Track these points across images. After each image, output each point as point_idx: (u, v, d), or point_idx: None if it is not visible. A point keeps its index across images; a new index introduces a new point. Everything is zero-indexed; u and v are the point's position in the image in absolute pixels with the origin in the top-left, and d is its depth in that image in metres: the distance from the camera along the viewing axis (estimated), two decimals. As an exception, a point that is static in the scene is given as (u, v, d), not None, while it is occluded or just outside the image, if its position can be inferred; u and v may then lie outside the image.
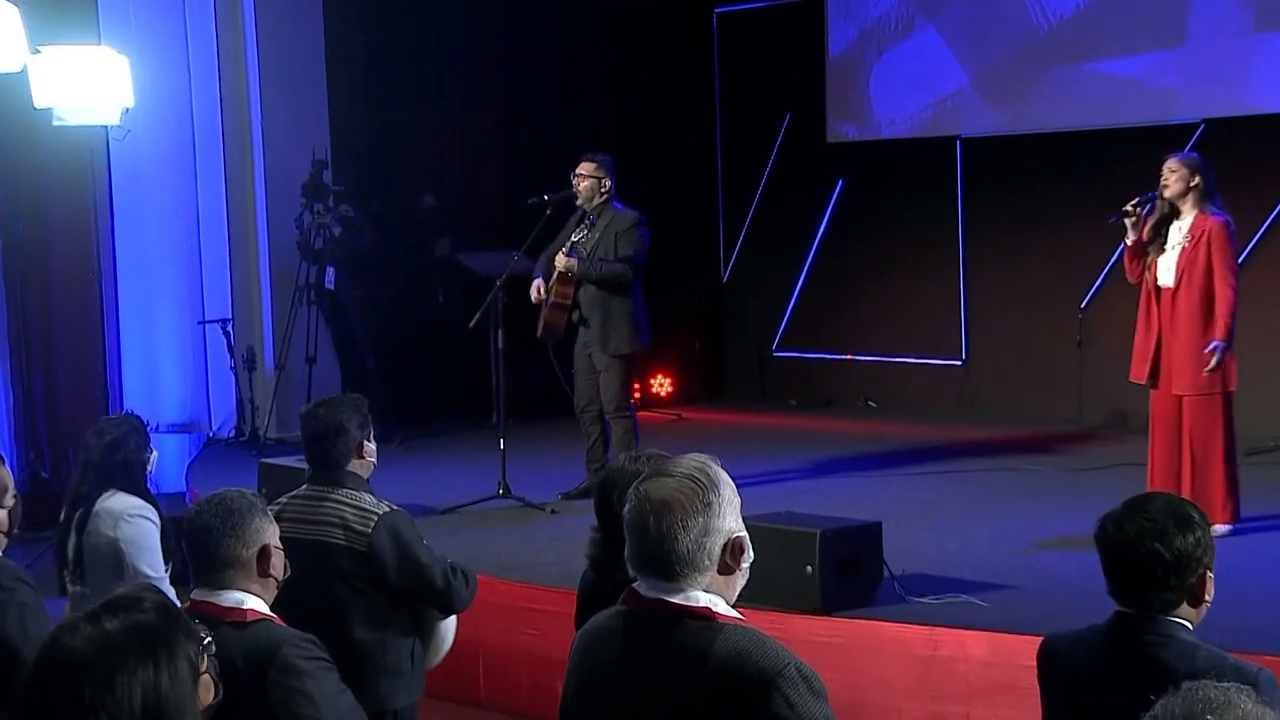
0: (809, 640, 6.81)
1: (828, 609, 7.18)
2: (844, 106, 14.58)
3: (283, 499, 5.67)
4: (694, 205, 15.41)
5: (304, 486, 5.70)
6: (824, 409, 14.50)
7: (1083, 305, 12.96)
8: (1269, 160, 11.65)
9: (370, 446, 5.74)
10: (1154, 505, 3.80)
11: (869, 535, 7.48)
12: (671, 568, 3.33)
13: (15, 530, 5.01)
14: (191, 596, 4.26)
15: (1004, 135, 13.50)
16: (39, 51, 9.80)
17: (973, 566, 8.05)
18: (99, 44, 10.89)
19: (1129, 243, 8.62)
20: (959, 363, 14.06)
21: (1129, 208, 8.57)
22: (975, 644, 6.90)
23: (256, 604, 4.25)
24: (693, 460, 3.45)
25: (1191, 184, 8.41)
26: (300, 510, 5.58)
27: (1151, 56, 12.54)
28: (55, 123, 10.19)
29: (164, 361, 12.85)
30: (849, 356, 14.74)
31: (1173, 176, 8.45)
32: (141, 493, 6.39)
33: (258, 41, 12.95)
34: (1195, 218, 8.42)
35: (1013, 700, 6.41)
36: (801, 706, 3.22)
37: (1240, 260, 9.01)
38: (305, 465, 5.88)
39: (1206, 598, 3.79)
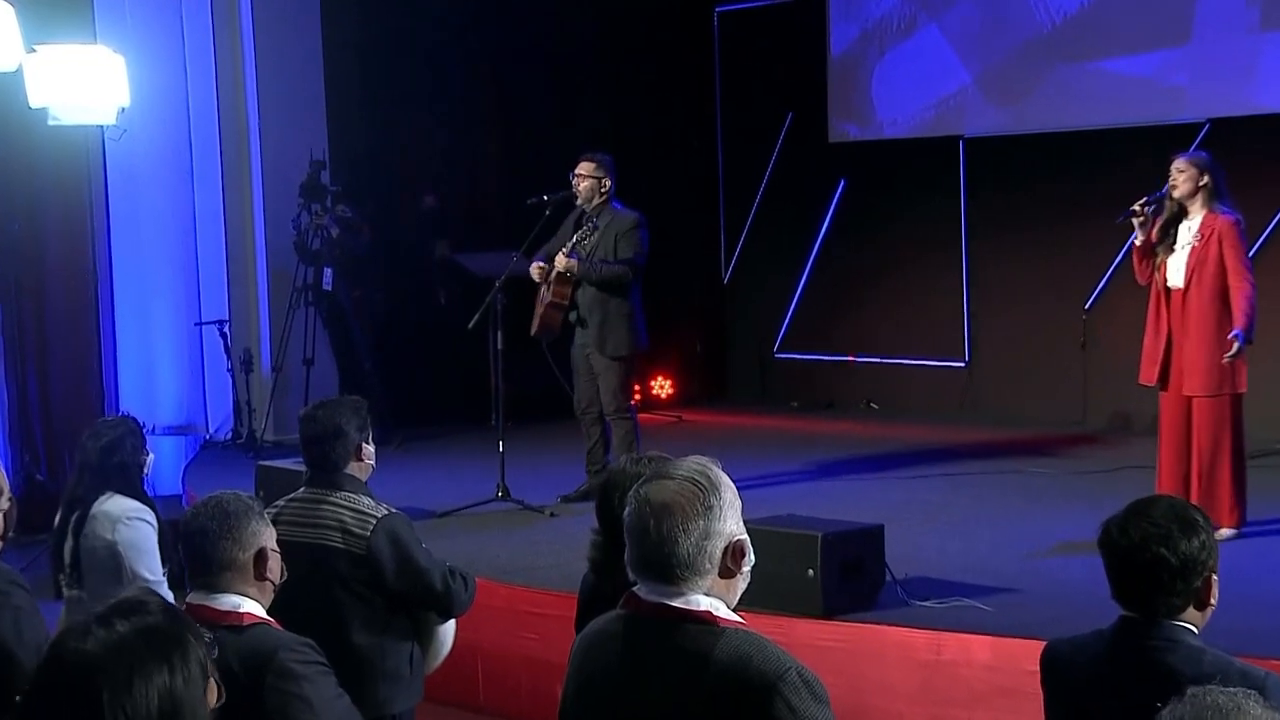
0: (811, 644, 6.80)
1: (829, 613, 7.16)
2: (846, 106, 14.56)
3: (280, 502, 5.65)
4: (695, 206, 15.40)
5: (302, 489, 5.68)
6: (826, 411, 14.48)
7: (1087, 306, 12.94)
8: (1275, 160, 11.61)
9: (369, 449, 5.73)
10: (1158, 509, 3.78)
11: (871, 538, 7.46)
12: (672, 571, 3.31)
13: (10, 534, 5.01)
14: (187, 600, 4.24)
15: (1007, 135, 13.48)
16: (34, 50, 9.77)
17: (976, 570, 8.02)
18: (95, 43, 10.84)
19: (1138, 244, 8.58)
20: (962, 364, 14.04)
21: (1137, 208, 8.52)
22: (978, 648, 6.89)
23: (253, 607, 4.24)
24: (693, 463, 3.43)
25: (1201, 183, 8.36)
26: (298, 513, 5.55)
27: (1157, 55, 12.52)
28: (51, 122, 10.15)
29: (160, 363, 12.83)
30: (851, 358, 14.72)
31: (1181, 176, 8.40)
32: (139, 495, 6.36)
33: (255, 40, 12.91)
34: (1205, 217, 8.37)
35: (1016, 705, 6.36)
36: (803, 711, 3.21)
37: (1247, 259, 8.95)
38: (303, 468, 5.86)
39: (1212, 601, 3.77)
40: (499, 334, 10.04)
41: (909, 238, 14.13)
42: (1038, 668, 4.05)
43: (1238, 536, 8.37)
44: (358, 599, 5.45)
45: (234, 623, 4.15)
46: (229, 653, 3.87)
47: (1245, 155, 11.08)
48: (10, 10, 9.07)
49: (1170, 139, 11.26)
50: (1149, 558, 3.68)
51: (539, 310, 10.03)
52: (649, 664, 3.34)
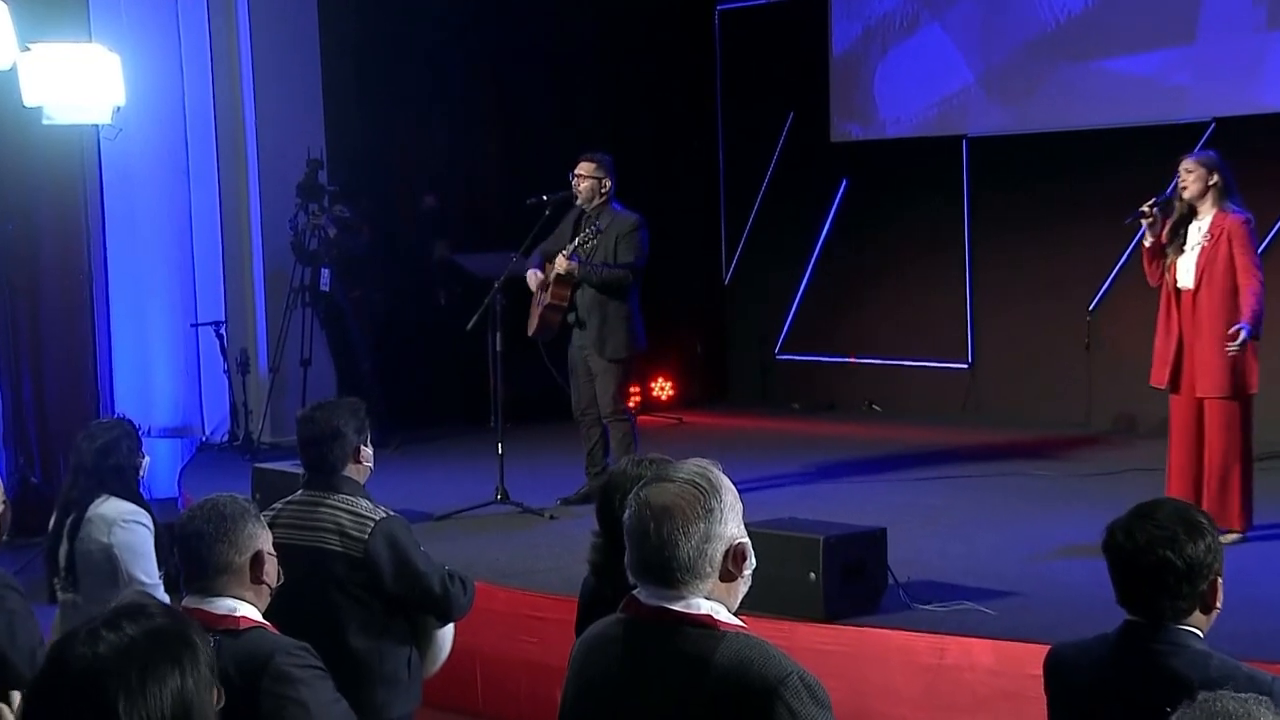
0: (812, 648, 6.80)
1: (831, 616, 7.15)
2: (848, 105, 14.55)
3: (277, 504, 5.64)
4: (695, 206, 15.39)
5: (299, 492, 5.67)
6: (827, 413, 14.46)
7: (1091, 307, 12.90)
8: (1280, 160, 11.57)
9: (367, 451, 5.73)
10: (1163, 511, 3.77)
11: (873, 541, 7.45)
12: (672, 575, 3.30)
13: (4, 537, 5.01)
14: (183, 604, 4.22)
15: (1011, 134, 13.46)
16: (29, 49, 9.85)
17: (979, 573, 7.99)
18: (90, 41, 10.86)
19: (1147, 245, 8.55)
20: (965, 366, 14.01)
21: (1145, 209, 8.50)
22: (982, 652, 6.87)
23: (249, 611, 4.23)
24: (694, 465, 3.42)
25: (1210, 183, 8.34)
26: (295, 516, 5.54)
27: (1161, 54, 12.50)
28: (45, 121, 10.21)
29: (156, 364, 12.82)
30: (853, 359, 14.70)
31: (1190, 177, 8.38)
32: (134, 498, 6.35)
33: (251, 38, 12.88)
34: (1214, 216, 8.35)
35: (1019, 710, 6.34)
36: (805, 716, 3.19)
37: (1254, 260, 8.92)
38: (300, 470, 5.87)
39: (1217, 605, 3.77)
40: (498, 335, 10.00)
41: (911, 238, 14.11)
42: (1041, 672, 4.04)
43: (1243, 540, 8.34)
44: (355, 602, 5.43)
45: (230, 626, 4.13)
46: (225, 657, 3.85)
47: (1250, 155, 11.02)
48: (4, 8, 9.14)
49: (1175, 139, 11.27)
50: (1154, 561, 3.67)
51: (535, 311, 10.01)
52: (649, 668, 3.33)
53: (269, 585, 4.32)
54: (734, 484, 3.42)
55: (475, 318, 9.99)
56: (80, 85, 9.98)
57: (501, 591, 8.08)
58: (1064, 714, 3.98)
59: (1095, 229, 12.19)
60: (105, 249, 12.18)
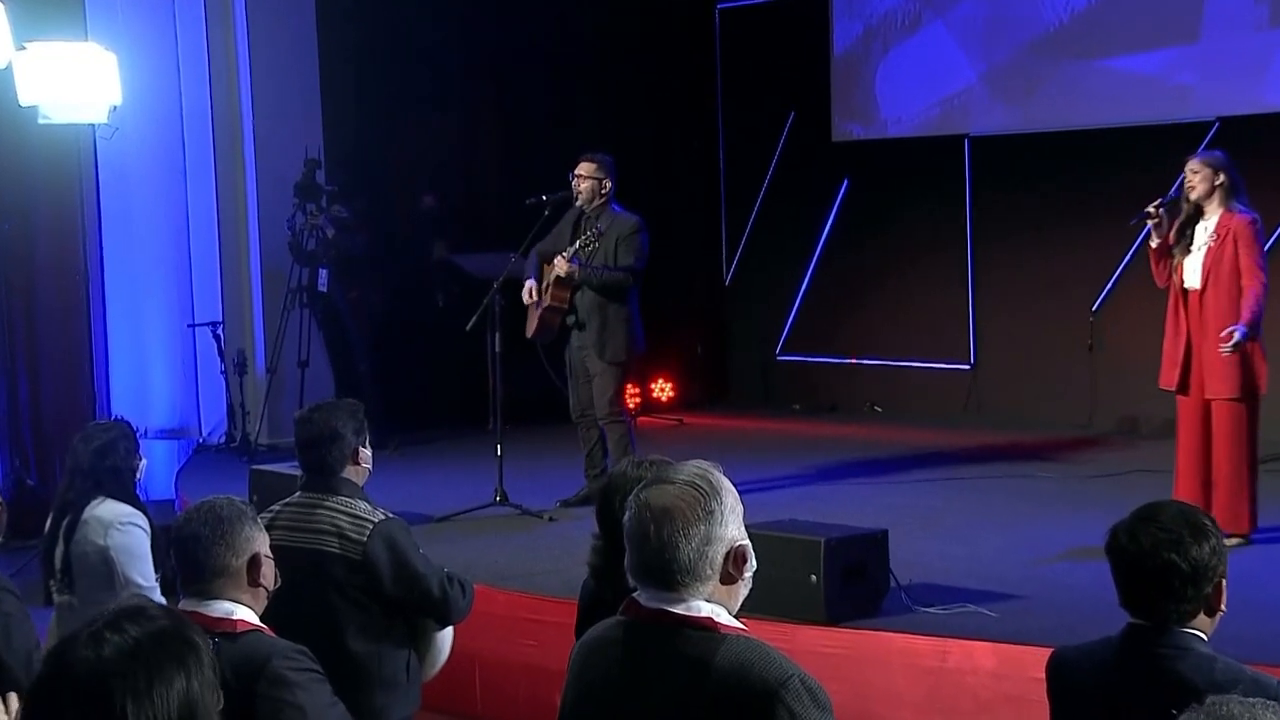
0: (813, 651, 6.78)
1: (833, 619, 7.14)
2: (849, 105, 14.53)
3: (275, 506, 5.66)
4: (696, 206, 15.38)
5: (297, 494, 5.68)
6: (829, 414, 14.44)
7: (1094, 308, 12.87)
8: (1286, 159, 11.53)
9: (366, 453, 5.74)
10: (1167, 514, 3.76)
11: (875, 544, 7.44)
12: (672, 577, 3.30)
13: (0, 539, 4.95)
14: (179, 607, 4.21)
15: (1013, 134, 13.44)
16: (24, 48, 9.92)
17: (981, 576, 7.98)
18: (86, 40, 10.83)
19: (1153, 246, 8.52)
20: (967, 367, 13.98)
21: (1151, 209, 8.48)
22: (984, 655, 6.85)
23: (246, 614, 4.24)
24: (694, 467, 3.42)
25: (1216, 183, 8.31)
26: (293, 518, 5.54)
27: (1165, 53, 12.48)
28: (41, 121, 10.23)
29: (153, 366, 12.82)
30: (854, 361, 14.67)
31: (1196, 178, 8.35)
32: (131, 500, 6.34)
33: (249, 37, 12.86)
34: (1221, 216, 8.32)
35: (1022, 713, 6.31)
36: (806, 719, 3.19)
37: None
38: (297, 472, 5.92)
39: (1222, 608, 3.76)
40: (497, 336, 10.00)
41: (913, 238, 14.09)
42: (1044, 675, 4.03)
43: (1247, 543, 8.32)
44: (354, 605, 5.42)
45: (227, 630, 4.14)
46: (222, 661, 3.80)
47: (1255, 154, 10.98)
48: (0, 7, 9.03)
49: (1179, 138, 11.29)
50: (1159, 564, 3.66)
51: (534, 313, 10.00)
52: (649, 671, 3.33)
53: (266, 588, 4.32)
54: (734, 486, 3.41)
55: (474, 318, 9.98)
56: (76, 84, 9.99)
57: (501, 594, 8.07)
58: (1067, 718, 3.97)
59: (1098, 229, 12.18)
60: (101, 249, 12.15)
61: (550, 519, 9.74)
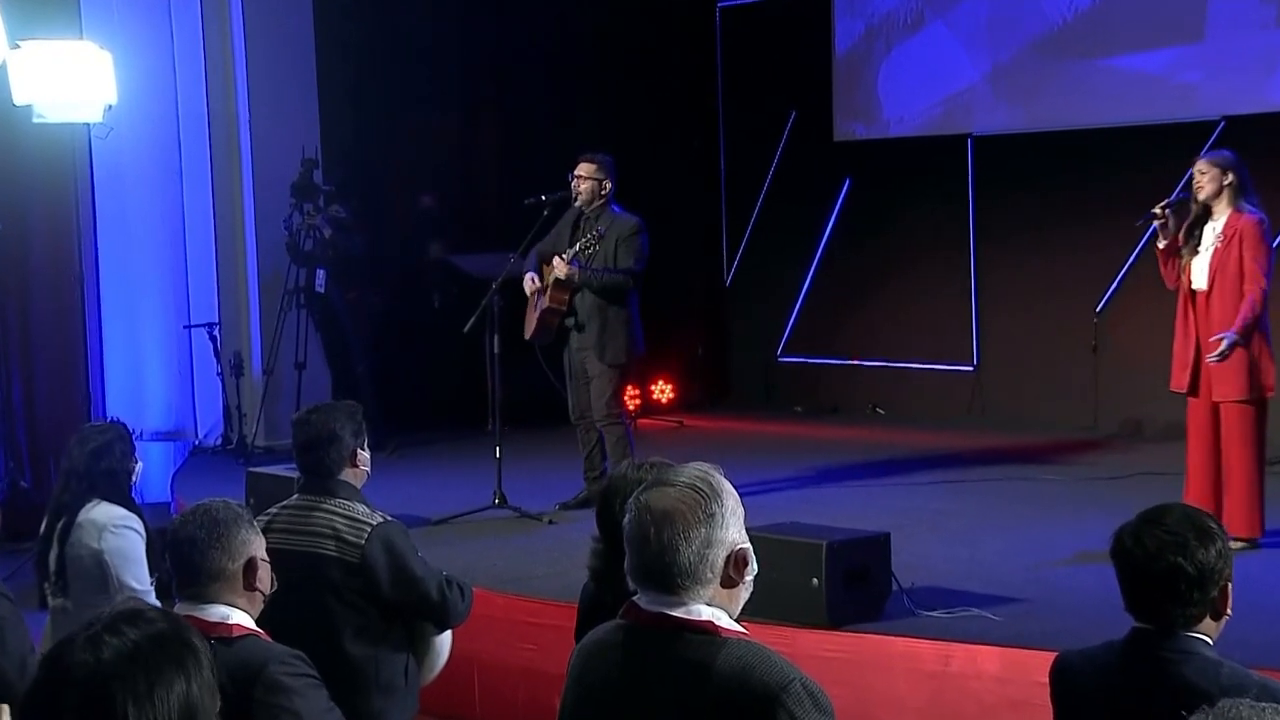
0: (815, 655, 6.76)
1: (834, 623, 7.11)
2: (851, 104, 14.52)
3: (273, 509, 5.66)
4: (696, 206, 15.37)
5: (294, 496, 5.68)
6: (830, 416, 14.43)
7: (1098, 309, 12.85)
8: (1291, 158, 11.49)
9: (364, 455, 5.73)
10: (1172, 516, 3.74)
11: (877, 546, 7.42)
12: (673, 580, 3.30)
13: None
14: (174, 611, 4.12)
15: (1017, 133, 13.42)
16: (18, 46, 9.85)
17: (984, 579, 7.96)
18: (81, 38, 10.81)
19: (1160, 247, 8.49)
20: (970, 368, 13.95)
21: (1156, 210, 8.46)
22: (987, 660, 6.83)
23: (242, 619, 4.25)
24: (695, 469, 3.42)
25: (1225, 183, 8.27)
26: (290, 520, 5.53)
27: (1170, 51, 12.46)
28: (35, 120, 10.18)
29: (148, 367, 12.78)
30: (856, 362, 14.65)
31: (1204, 178, 8.31)
32: (126, 503, 6.36)
33: (245, 36, 12.84)
34: (1229, 217, 8.29)
35: (1026, 718, 6.28)
36: None
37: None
38: (294, 474, 6.00)
39: (1227, 611, 3.75)
40: (496, 337, 9.97)
41: (916, 238, 14.07)
42: (1048, 680, 4.02)
43: (1254, 547, 8.30)
44: (351, 609, 5.42)
45: (223, 634, 4.14)
46: (218, 665, 3.82)
47: (1261, 154, 10.94)
48: (-6, 6, 9.04)
49: (1184, 137, 11.32)
50: (1165, 567, 3.65)
51: (532, 314, 9.97)
52: (649, 675, 3.33)
53: (262, 592, 4.32)
54: (735, 488, 3.41)
55: (473, 319, 9.95)
56: (71, 83, 9.96)
57: (499, 598, 8.03)
58: (1070, 723, 3.94)
59: (1103, 229, 12.17)
60: (97, 249, 12.13)
61: (549, 522, 9.70)
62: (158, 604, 5.57)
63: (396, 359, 13.37)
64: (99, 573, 6.13)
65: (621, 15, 14.58)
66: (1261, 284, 8.15)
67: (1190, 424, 8.53)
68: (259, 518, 4.75)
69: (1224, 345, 8.09)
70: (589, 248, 9.67)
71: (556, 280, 9.74)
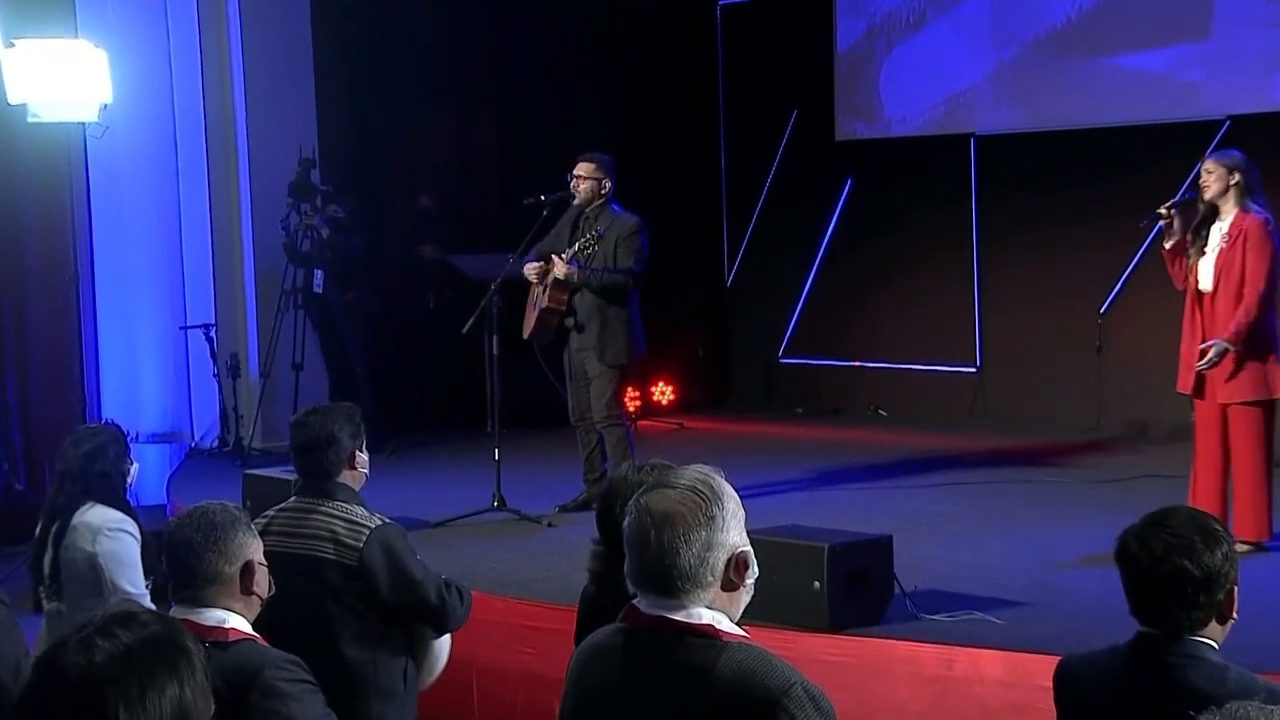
0: (816, 659, 6.75)
1: (836, 626, 7.08)
2: (853, 103, 14.52)
3: (270, 511, 5.65)
4: (697, 206, 15.39)
5: (292, 498, 5.67)
6: (832, 418, 14.42)
7: (1102, 310, 12.82)
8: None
9: (363, 457, 5.72)
10: (1177, 519, 3.73)
11: (879, 549, 7.39)
12: (673, 584, 3.29)
13: None
14: (170, 614, 4.11)
15: (1020, 132, 13.41)
16: (13, 45, 10.09)
17: (987, 582, 7.93)
18: (76, 37, 10.83)
19: (1166, 247, 8.46)
20: (973, 370, 13.94)
21: (1161, 210, 8.43)
22: (991, 664, 6.81)
23: (239, 623, 4.25)
24: (695, 472, 3.41)
25: (1231, 182, 8.24)
26: (288, 523, 5.53)
27: (1174, 50, 12.46)
28: (30, 119, 10.27)
29: (144, 368, 12.76)
30: (858, 363, 14.64)
31: (1210, 177, 8.28)
32: (121, 505, 6.35)
33: (242, 34, 12.83)
34: (1235, 217, 8.25)
35: None
36: None
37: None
38: (291, 476, 5.99)
39: (1233, 615, 3.74)
40: (495, 338, 9.97)
41: (918, 238, 14.06)
42: (1051, 684, 4.01)
43: (1261, 550, 8.26)
44: (350, 612, 5.41)
45: (219, 638, 4.13)
46: (213, 670, 3.85)
47: (1266, 153, 10.89)
48: (-12, 4, 9.03)
49: (1189, 136, 11.35)
50: (1171, 570, 3.63)
51: (531, 314, 9.95)
52: (649, 679, 3.32)
53: (259, 596, 4.31)
54: (736, 490, 3.40)
55: (472, 320, 9.92)
56: (67, 82, 10.02)
57: (498, 601, 8.01)
58: (1075, 728, 3.93)
59: (1106, 229, 12.17)
60: (92, 250, 12.09)
61: (549, 524, 9.67)
62: (152, 608, 5.53)
63: (395, 360, 13.37)
64: (93, 576, 6.11)
65: (621, 15, 14.59)
66: (1260, 287, 8.11)
67: (1198, 427, 8.49)
68: (256, 520, 4.72)
69: (1212, 354, 8.08)
70: (588, 247, 9.64)
71: (555, 280, 9.71)
